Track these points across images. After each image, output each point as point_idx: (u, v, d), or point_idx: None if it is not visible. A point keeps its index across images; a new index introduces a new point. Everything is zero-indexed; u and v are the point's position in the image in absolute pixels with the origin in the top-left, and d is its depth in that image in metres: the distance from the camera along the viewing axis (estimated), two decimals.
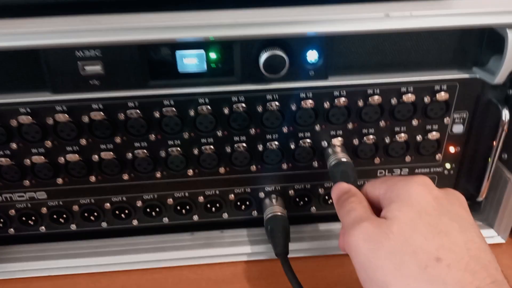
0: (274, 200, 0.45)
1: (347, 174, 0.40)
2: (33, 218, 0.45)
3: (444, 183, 0.46)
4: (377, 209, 0.34)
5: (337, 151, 0.42)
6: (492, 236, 0.46)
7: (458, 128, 0.43)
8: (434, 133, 0.43)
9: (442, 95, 0.41)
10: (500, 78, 0.38)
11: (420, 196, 0.31)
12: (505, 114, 0.41)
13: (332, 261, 0.45)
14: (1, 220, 0.45)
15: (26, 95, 0.38)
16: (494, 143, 0.43)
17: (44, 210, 0.44)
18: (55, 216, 0.45)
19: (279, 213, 0.44)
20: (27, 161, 0.41)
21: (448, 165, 0.46)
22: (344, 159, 0.41)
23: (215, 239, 0.47)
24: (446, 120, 0.42)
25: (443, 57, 0.40)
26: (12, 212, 0.44)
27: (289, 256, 0.42)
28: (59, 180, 0.43)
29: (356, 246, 0.30)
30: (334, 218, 0.48)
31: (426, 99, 0.41)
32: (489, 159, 0.43)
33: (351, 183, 0.38)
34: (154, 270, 0.45)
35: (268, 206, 0.45)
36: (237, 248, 0.46)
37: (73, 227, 0.46)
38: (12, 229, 0.45)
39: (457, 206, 0.32)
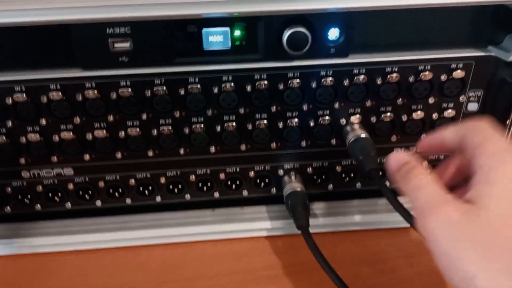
0: (293, 177, 0.47)
1: (367, 149, 0.41)
2: (59, 194, 0.46)
3: None
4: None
5: (356, 128, 0.43)
6: None
7: (473, 106, 0.45)
8: (450, 111, 0.44)
9: (458, 73, 0.42)
10: None
11: None
12: None
13: (350, 237, 0.47)
14: (29, 196, 0.46)
15: (56, 72, 0.40)
16: (508, 121, 0.44)
17: (70, 186, 0.46)
18: (81, 193, 0.46)
19: (298, 189, 0.45)
20: (56, 137, 0.42)
21: None
22: (363, 135, 0.42)
23: (236, 215, 0.48)
24: (462, 98, 0.44)
25: (460, 36, 0.42)
26: (39, 188, 0.45)
27: None
28: (86, 157, 0.44)
29: (436, 233, 0.27)
30: (351, 195, 0.50)
31: (443, 77, 0.42)
32: None
33: (372, 158, 0.40)
34: (177, 244, 0.46)
35: (287, 183, 0.46)
36: (256, 224, 0.47)
37: (98, 203, 0.47)
38: (39, 205, 0.47)
39: None
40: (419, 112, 0.44)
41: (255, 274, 0.43)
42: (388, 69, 0.42)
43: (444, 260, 0.27)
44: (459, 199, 0.28)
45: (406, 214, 0.36)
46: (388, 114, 0.44)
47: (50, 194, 0.46)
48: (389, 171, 0.33)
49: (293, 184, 0.46)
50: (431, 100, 0.43)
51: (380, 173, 0.42)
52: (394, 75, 0.42)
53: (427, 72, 0.42)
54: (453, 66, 0.42)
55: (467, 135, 0.31)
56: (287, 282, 0.42)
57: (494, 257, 0.25)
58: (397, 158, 0.33)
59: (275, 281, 0.42)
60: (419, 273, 0.42)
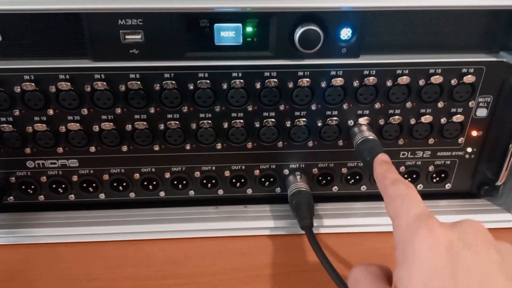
0: (298, 177, 0.47)
1: (375, 150, 0.41)
2: (63, 185, 0.46)
3: (465, 166, 0.48)
4: None
5: (363, 130, 0.43)
6: (509, 220, 0.48)
7: (482, 112, 0.44)
8: (458, 116, 0.44)
9: (469, 78, 0.42)
10: None
11: (428, 252, 0.25)
12: None
13: (353, 238, 0.46)
14: (33, 186, 0.46)
15: (66, 62, 0.39)
16: None
17: (75, 178, 0.45)
18: (85, 185, 0.46)
19: (303, 188, 0.45)
20: (62, 128, 0.42)
21: (469, 149, 0.47)
22: (371, 137, 0.42)
23: (239, 213, 0.48)
24: (471, 103, 0.44)
25: (472, 40, 0.41)
26: (44, 179, 0.45)
27: None
28: (92, 149, 0.44)
29: None
30: (356, 198, 0.49)
31: (453, 81, 0.42)
32: (510, 145, 0.45)
33: None
34: (179, 240, 0.46)
35: (292, 183, 0.46)
36: (260, 222, 0.47)
37: (102, 196, 0.47)
38: (42, 196, 0.46)
39: (478, 246, 0.25)
40: (427, 116, 0.44)
41: (258, 272, 0.43)
42: (399, 71, 0.41)
43: None
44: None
45: None
46: (397, 117, 0.44)
47: (54, 185, 0.46)
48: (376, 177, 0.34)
49: (298, 184, 0.46)
50: (440, 104, 0.43)
51: None
52: (404, 77, 0.41)
53: (437, 76, 0.42)
54: (464, 70, 0.42)
55: (387, 204, 0.30)
56: (289, 281, 0.42)
57: None
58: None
59: (278, 280, 0.42)
60: None
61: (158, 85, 0.41)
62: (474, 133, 0.46)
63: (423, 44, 0.41)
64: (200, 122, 0.43)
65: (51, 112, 0.41)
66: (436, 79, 0.42)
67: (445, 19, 0.40)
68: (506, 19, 0.40)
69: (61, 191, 0.46)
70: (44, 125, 0.42)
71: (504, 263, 0.24)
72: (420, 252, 0.25)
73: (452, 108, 0.44)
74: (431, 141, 0.46)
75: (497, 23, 0.41)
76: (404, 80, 0.41)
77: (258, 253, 0.45)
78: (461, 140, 0.46)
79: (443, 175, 0.48)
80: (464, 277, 0.24)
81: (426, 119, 0.44)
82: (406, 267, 0.26)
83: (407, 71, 0.41)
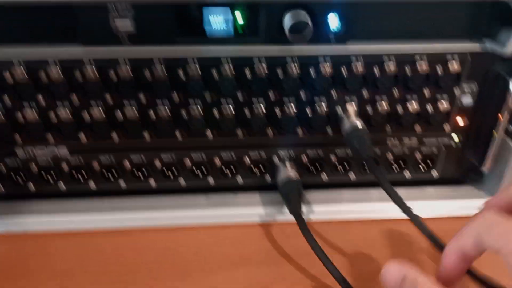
0: (288, 165, 0.47)
1: (364, 138, 0.42)
2: (53, 174, 0.46)
3: (451, 154, 0.48)
4: None
5: (352, 118, 0.44)
6: None
7: (467, 100, 0.45)
8: (444, 103, 0.45)
9: (454, 66, 0.43)
10: (509, 49, 0.40)
11: None
12: None
13: (342, 225, 0.47)
14: (22, 175, 0.46)
15: (56, 48, 0.40)
16: (500, 115, 0.45)
17: (65, 166, 0.46)
18: (75, 173, 0.46)
19: (293, 176, 0.46)
20: (52, 115, 0.42)
21: (455, 136, 0.48)
22: (360, 126, 0.43)
23: (229, 201, 0.48)
24: (456, 91, 0.45)
25: (457, 29, 0.42)
26: (33, 167, 0.45)
27: None
28: (82, 137, 0.44)
29: None
30: (343, 185, 0.50)
31: (439, 69, 0.43)
32: (495, 131, 0.46)
33: (367, 150, 0.40)
34: (169, 228, 0.46)
35: (282, 170, 0.47)
36: (250, 209, 0.47)
37: (92, 185, 0.47)
38: (32, 185, 0.46)
39: None
40: (414, 103, 0.45)
41: (247, 257, 0.43)
42: (385, 59, 0.42)
43: None
44: None
45: (401, 204, 0.37)
46: (384, 104, 0.45)
47: (44, 174, 0.46)
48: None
49: (288, 172, 0.46)
50: (426, 92, 0.44)
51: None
52: (391, 65, 0.42)
53: (423, 64, 0.42)
54: (449, 58, 0.43)
55: (483, 237, 0.28)
56: (278, 267, 0.42)
57: None
58: (393, 276, 0.31)
59: (267, 264, 0.42)
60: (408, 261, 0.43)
61: (148, 72, 0.41)
62: (460, 120, 0.47)
63: (409, 32, 0.42)
64: (191, 109, 0.43)
65: (40, 99, 0.41)
66: (422, 67, 0.42)
67: (430, 8, 0.41)
68: (489, 7, 0.41)
69: (52, 179, 0.46)
70: (34, 112, 0.42)
71: None
72: None
73: (438, 95, 0.45)
74: (418, 128, 0.46)
75: (481, 11, 0.42)
76: (390, 67, 0.42)
77: (247, 240, 0.45)
78: (447, 127, 0.47)
79: (430, 162, 0.49)
80: None
81: (413, 106, 0.45)
82: None
83: (393, 59, 0.42)
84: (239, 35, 0.40)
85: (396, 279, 0.30)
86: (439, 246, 0.35)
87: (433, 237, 0.36)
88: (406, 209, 0.37)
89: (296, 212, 0.43)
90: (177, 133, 0.45)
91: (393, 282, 0.30)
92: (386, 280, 0.31)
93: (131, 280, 0.41)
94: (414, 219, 0.37)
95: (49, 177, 0.46)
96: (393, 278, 0.31)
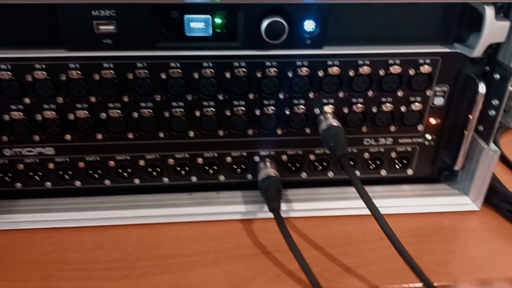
0: (268, 164, 0.49)
1: (339, 136, 0.43)
2: (40, 173, 0.47)
3: (425, 153, 0.50)
4: None
5: (329, 117, 0.46)
6: (467, 203, 0.50)
7: (439, 101, 0.47)
8: (417, 104, 0.47)
9: (426, 68, 0.45)
10: (478, 51, 0.42)
11: None
12: (482, 88, 0.45)
13: (320, 222, 0.49)
14: (9, 174, 0.47)
15: (41, 51, 0.41)
16: (471, 116, 0.47)
17: (51, 165, 0.47)
18: (61, 172, 0.47)
19: (273, 174, 0.47)
20: (38, 116, 0.44)
21: (428, 136, 0.49)
22: (335, 124, 0.44)
23: (212, 199, 0.50)
24: (429, 92, 0.46)
25: (428, 33, 0.44)
26: (21, 166, 0.47)
27: None
28: (68, 137, 0.45)
29: None
30: (322, 183, 0.52)
31: (411, 72, 0.45)
32: (466, 131, 0.47)
33: (342, 145, 0.42)
34: (153, 225, 0.48)
35: (262, 169, 0.48)
36: (232, 207, 0.49)
37: (78, 183, 0.48)
38: (19, 184, 0.48)
39: None
40: (388, 104, 0.46)
41: (228, 253, 0.45)
42: (360, 62, 0.44)
43: None
44: None
45: (369, 200, 0.39)
46: (360, 105, 0.46)
47: (31, 173, 0.47)
48: None
49: (268, 170, 0.48)
50: (400, 93, 0.46)
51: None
52: (366, 68, 0.44)
53: (396, 66, 0.44)
54: (421, 61, 0.44)
55: None
56: (258, 262, 0.44)
57: None
58: None
59: (247, 260, 0.44)
60: (383, 256, 0.45)
61: (131, 74, 0.42)
62: (433, 121, 0.48)
63: (382, 36, 0.44)
64: (173, 110, 0.45)
65: (27, 100, 0.43)
66: (395, 69, 0.44)
67: (402, 12, 0.43)
68: (459, 12, 0.43)
69: (38, 178, 0.48)
70: (21, 113, 0.43)
71: None
72: None
73: (411, 97, 0.47)
74: (392, 128, 0.48)
75: (451, 16, 0.43)
76: (365, 70, 0.44)
77: (229, 236, 0.47)
78: (420, 127, 0.48)
79: (405, 161, 0.51)
80: None
81: (387, 107, 0.47)
82: None
83: (367, 62, 0.44)
84: (218, 39, 0.42)
85: None
86: (397, 246, 0.37)
87: (392, 237, 0.38)
88: (370, 204, 0.39)
89: (274, 208, 0.44)
90: (161, 133, 0.46)
91: None
92: None
93: (111, 271, 0.42)
94: (378, 217, 0.39)
95: (36, 177, 0.47)
96: None
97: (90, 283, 0.41)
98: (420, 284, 0.39)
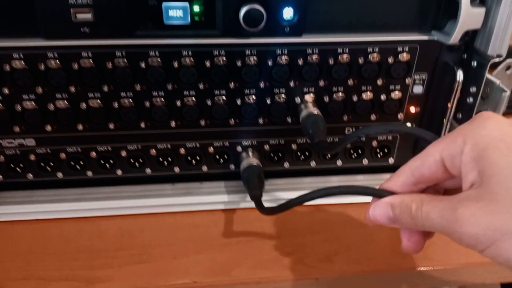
0: (250, 153, 0.49)
1: (318, 124, 0.44)
2: (21, 165, 0.47)
3: (405, 142, 0.51)
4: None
5: (309, 106, 0.46)
6: None
7: (418, 89, 0.48)
8: (396, 92, 0.47)
9: (404, 56, 0.45)
10: (454, 38, 0.42)
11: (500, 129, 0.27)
12: (460, 76, 0.46)
13: (302, 210, 0.49)
14: None
15: (19, 41, 0.41)
16: (449, 103, 0.47)
17: (32, 157, 0.47)
18: (42, 164, 0.47)
19: (254, 163, 0.48)
20: (18, 107, 0.43)
21: (409, 124, 0.50)
22: (315, 112, 0.45)
23: (195, 189, 0.50)
24: (408, 80, 0.47)
25: (406, 20, 0.44)
26: (1, 158, 0.46)
27: None
28: (48, 127, 0.45)
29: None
30: (305, 173, 0.52)
31: (390, 60, 0.45)
32: (445, 119, 0.48)
33: (321, 132, 0.42)
34: (136, 216, 0.48)
35: (245, 158, 0.49)
36: (214, 197, 0.49)
37: (59, 175, 0.48)
38: (0, 176, 0.47)
39: None
40: (368, 93, 0.47)
41: (210, 242, 0.45)
42: (340, 50, 0.44)
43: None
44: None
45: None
46: (340, 94, 0.47)
47: (12, 165, 0.47)
48: (386, 224, 0.32)
49: (250, 159, 0.48)
50: (379, 82, 0.46)
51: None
52: (345, 56, 0.44)
53: (375, 54, 0.45)
54: (399, 49, 0.45)
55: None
56: (240, 249, 0.44)
57: None
58: (381, 209, 0.32)
59: (229, 248, 0.44)
60: (362, 242, 0.45)
61: (110, 63, 0.42)
62: (412, 109, 0.49)
63: (361, 24, 0.44)
64: (154, 100, 0.45)
65: (6, 91, 0.42)
66: (374, 57, 0.45)
67: (382, 2, 0.43)
68: (437, 0, 0.44)
69: (20, 170, 0.47)
70: (0, 104, 0.43)
71: None
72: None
73: (390, 85, 0.47)
74: (373, 117, 0.49)
75: (429, 3, 0.44)
76: (344, 58, 0.44)
77: (211, 225, 0.47)
78: (400, 116, 0.49)
79: (386, 150, 0.51)
80: None
81: (367, 96, 0.47)
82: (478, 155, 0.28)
83: (347, 50, 0.44)
84: (197, 27, 0.42)
85: (385, 211, 0.31)
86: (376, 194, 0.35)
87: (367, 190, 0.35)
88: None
89: (255, 196, 0.45)
90: (142, 123, 0.46)
91: (385, 215, 0.31)
92: (376, 216, 0.32)
93: (93, 260, 0.42)
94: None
95: (17, 168, 0.47)
96: (382, 211, 0.31)
97: (72, 273, 0.41)
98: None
